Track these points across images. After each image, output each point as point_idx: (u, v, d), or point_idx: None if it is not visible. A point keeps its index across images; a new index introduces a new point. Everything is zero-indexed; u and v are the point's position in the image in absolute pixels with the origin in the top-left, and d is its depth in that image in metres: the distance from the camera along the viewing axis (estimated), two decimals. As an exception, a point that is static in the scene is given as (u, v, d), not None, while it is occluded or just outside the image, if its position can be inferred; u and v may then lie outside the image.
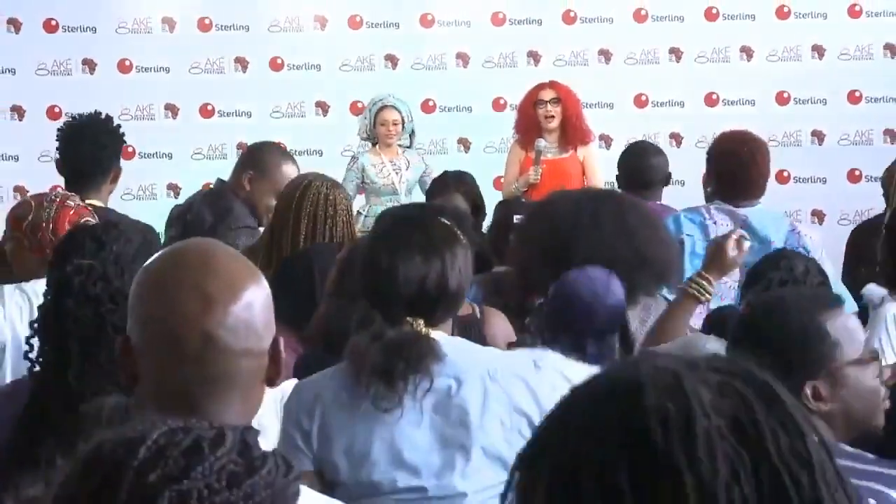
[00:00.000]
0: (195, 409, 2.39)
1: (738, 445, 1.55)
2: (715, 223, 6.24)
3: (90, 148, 6.26)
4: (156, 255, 2.70)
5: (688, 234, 6.33)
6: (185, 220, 6.33)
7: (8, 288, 4.65)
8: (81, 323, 3.46)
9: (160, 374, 2.48)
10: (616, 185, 7.68)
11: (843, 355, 3.18)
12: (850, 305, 4.74)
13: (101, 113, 6.56)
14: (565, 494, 1.59)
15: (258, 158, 6.55)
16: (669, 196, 7.60)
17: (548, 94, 9.07)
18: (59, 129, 6.51)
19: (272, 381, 2.53)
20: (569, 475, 1.59)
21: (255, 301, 2.46)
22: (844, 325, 3.24)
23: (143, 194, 10.38)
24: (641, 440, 1.55)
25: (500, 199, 8.35)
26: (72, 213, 5.22)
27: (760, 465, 1.57)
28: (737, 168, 6.55)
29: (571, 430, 1.61)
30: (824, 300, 3.46)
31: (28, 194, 7.59)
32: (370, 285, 3.60)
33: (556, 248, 4.43)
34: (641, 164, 7.49)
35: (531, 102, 9.13)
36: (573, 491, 1.58)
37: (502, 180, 9.45)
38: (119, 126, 6.45)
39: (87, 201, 5.87)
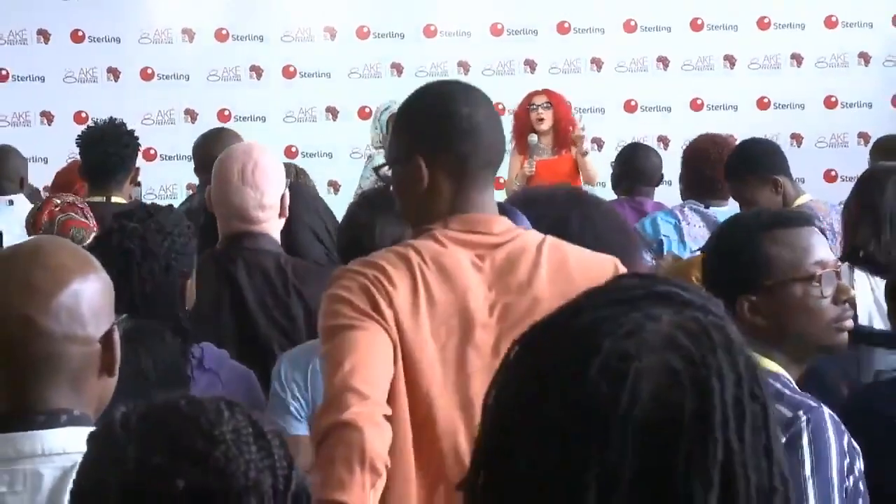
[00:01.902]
0: (25, 392, 2.40)
1: (688, 382, 1.52)
2: (689, 223, 6.35)
3: (112, 150, 6.34)
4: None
5: (665, 236, 6.42)
6: None
7: None
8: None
9: None
10: (610, 184, 7.76)
11: (782, 272, 3.08)
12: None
13: (115, 119, 6.66)
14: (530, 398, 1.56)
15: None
16: (659, 195, 7.71)
17: (540, 100, 9.13)
18: (79, 135, 6.60)
19: (110, 369, 2.46)
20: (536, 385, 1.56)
21: (82, 291, 2.41)
22: (792, 241, 3.11)
23: (164, 194, 10.29)
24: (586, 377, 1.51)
25: (502, 195, 8.22)
26: (55, 208, 5.47)
27: (704, 401, 1.52)
28: (707, 169, 6.62)
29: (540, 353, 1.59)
30: (781, 218, 3.34)
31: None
32: (349, 240, 3.47)
33: None
34: (644, 164, 7.52)
35: (525, 107, 9.15)
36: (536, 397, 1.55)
37: (502, 181, 9.08)
38: (134, 130, 6.54)
39: (112, 199, 6.17)
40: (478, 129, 3.02)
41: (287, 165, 5.76)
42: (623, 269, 2.96)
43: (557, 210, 3.38)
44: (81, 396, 2.40)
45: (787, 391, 2.85)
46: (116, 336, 2.44)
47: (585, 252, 3.05)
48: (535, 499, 1.54)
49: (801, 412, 2.69)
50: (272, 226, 4.55)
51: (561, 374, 1.52)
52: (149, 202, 6.26)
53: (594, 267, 2.97)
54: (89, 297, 2.42)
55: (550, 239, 3.03)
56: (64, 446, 2.28)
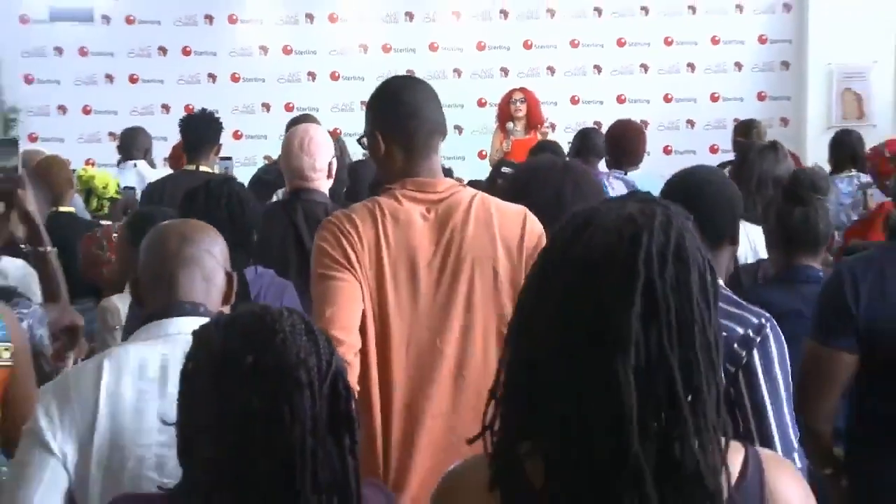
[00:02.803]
0: (178, 291, 2.39)
1: (675, 264, 1.48)
2: (613, 189, 6.09)
3: (201, 132, 6.26)
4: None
5: None
6: None
7: None
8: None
9: (154, 273, 2.44)
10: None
11: None
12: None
13: (207, 110, 6.61)
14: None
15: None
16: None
17: (517, 96, 9.05)
18: (181, 120, 6.50)
19: (228, 299, 2.47)
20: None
21: (218, 240, 2.49)
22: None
23: (247, 162, 10.05)
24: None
25: (487, 164, 8.48)
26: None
27: (633, 247, 1.48)
28: (625, 144, 6.59)
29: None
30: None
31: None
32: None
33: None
34: (596, 142, 7.03)
35: (507, 101, 9.08)
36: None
37: (485, 153, 9.45)
38: (219, 118, 6.43)
39: (200, 167, 6.03)
40: (419, 112, 2.88)
41: (335, 140, 5.64)
42: (531, 216, 2.88)
43: (556, 176, 3.23)
44: (211, 291, 2.41)
45: (742, 302, 2.67)
46: (235, 280, 2.47)
47: (503, 204, 2.93)
48: (532, 328, 1.53)
49: (763, 319, 2.55)
50: (322, 184, 4.48)
51: (557, 243, 1.55)
52: (229, 169, 6.61)
53: (509, 214, 2.89)
54: (221, 244, 2.48)
55: (480, 194, 2.94)
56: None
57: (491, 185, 5.37)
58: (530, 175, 3.48)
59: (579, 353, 1.45)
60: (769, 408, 2.46)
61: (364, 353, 2.77)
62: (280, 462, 1.67)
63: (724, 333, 2.29)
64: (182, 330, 2.25)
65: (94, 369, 2.28)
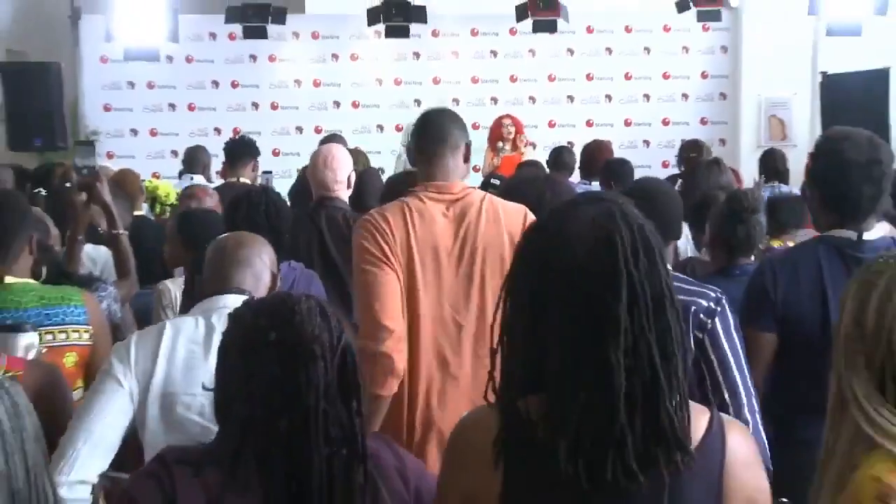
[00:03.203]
0: (227, 275, 2.39)
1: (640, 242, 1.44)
2: None
3: (240, 151, 6.30)
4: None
5: None
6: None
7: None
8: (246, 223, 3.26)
9: (214, 267, 2.44)
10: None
11: None
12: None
13: (245, 136, 6.59)
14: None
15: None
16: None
17: (506, 121, 9.03)
18: (225, 143, 6.53)
19: (272, 289, 2.43)
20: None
21: (266, 248, 2.48)
22: None
23: (284, 174, 8.72)
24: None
25: (480, 176, 8.27)
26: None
27: (611, 250, 1.44)
28: (594, 161, 6.69)
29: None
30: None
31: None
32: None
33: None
34: (567, 159, 7.20)
35: (498, 125, 9.04)
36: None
37: (479, 167, 9.11)
38: (255, 141, 6.46)
39: (240, 179, 6.03)
40: (438, 137, 2.89)
41: (356, 155, 5.57)
42: (531, 215, 2.83)
43: (538, 186, 3.25)
44: (258, 287, 2.41)
45: (699, 282, 2.60)
46: (278, 280, 2.49)
47: (507, 203, 2.90)
48: (521, 315, 1.50)
49: (719, 293, 2.48)
50: (342, 194, 4.39)
51: (535, 250, 1.52)
52: (270, 180, 6.51)
53: (514, 213, 2.86)
54: (270, 252, 2.50)
55: (488, 195, 2.92)
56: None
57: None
58: (519, 183, 3.55)
59: (575, 342, 1.42)
60: (732, 361, 2.43)
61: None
62: (297, 420, 1.64)
63: (693, 308, 2.35)
64: (228, 305, 2.23)
65: (156, 332, 2.32)
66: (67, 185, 3.94)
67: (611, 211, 1.47)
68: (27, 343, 2.48)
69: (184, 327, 2.32)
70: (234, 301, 2.21)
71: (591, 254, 1.43)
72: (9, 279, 2.84)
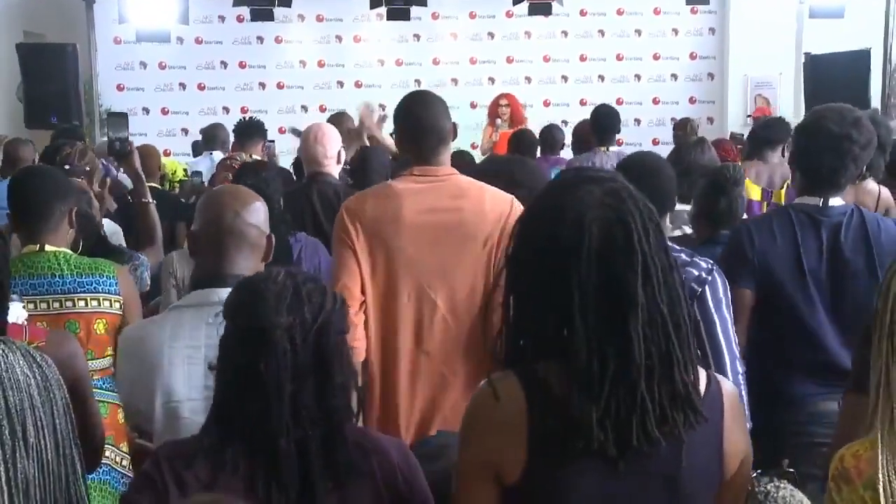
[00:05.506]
0: (225, 260, 2.24)
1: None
2: (609, 161, 5.99)
3: (250, 130, 6.30)
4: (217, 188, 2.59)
5: None
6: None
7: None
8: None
9: (211, 238, 2.28)
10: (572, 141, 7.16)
11: None
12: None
13: (254, 117, 6.53)
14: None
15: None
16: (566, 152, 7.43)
17: (503, 100, 8.82)
18: (235, 124, 6.50)
19: (267, 257, 2.31)
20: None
21: (261, 206, 2.33)
22: None
23: (289, 151, 9.44)
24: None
25: (479, 153, 8.27)
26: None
27: (626, 230, 1.44)
28: (584, 137, 6.68)
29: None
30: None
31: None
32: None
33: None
34: (555, 137, 7.09)
35: (495, 103, 8.84)
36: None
37: (477, 144, 9.09)
38: (263, 122, 6.46)
39: (254, 156, 5.87)
40: (424, 123, 2.87)
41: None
42: (517, 204, 2.79)
43: (510, 166, 3.31)
44: (254, 263, 2.28)
45: (692, 253, 2.63)
46: (273, 241, 2.35)
47: (493, 189, 2.88)
48: (542, 305, 1.48)
49: (711, 264, 2.53)
50: (333, 169, 4.36)
51: (547, 230, 1.49)
52: (272, 148, 6.59)
53: (497, 199, 2.84)
54: (264, 210, 2.36)
55: (471, 179, 2.92)
56: None
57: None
58: (489, 165, 3.69)
59: (598, 319, 1.42)
60: (718, 326, 2.47)
61: (371, 304, 2.78)
62: (264, 403, 1.60)
63: (685, 276, 2.25)
64: (223, 299, 2.04)
65: (157, 344, 2.20)
66: (67, 167, 3.82)
67: (616, 191, 1.48)
68: (16, 315, 2.34)
69: (181, 330, 2.21)
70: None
71: (608, 235, 1.43)
72: (48, 248, 2.90)
